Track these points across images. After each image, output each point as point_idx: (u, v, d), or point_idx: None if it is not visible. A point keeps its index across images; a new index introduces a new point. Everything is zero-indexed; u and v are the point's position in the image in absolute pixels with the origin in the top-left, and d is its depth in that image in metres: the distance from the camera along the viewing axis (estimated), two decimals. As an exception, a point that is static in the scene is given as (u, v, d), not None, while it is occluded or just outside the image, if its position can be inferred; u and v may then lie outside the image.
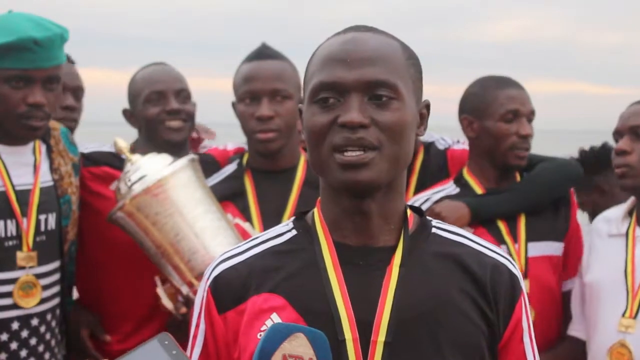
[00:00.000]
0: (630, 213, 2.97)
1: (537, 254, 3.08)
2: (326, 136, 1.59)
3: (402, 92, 1.61)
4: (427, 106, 1.71)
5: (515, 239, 3.07)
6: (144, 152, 3.05)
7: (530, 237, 3.08)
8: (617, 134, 2.96)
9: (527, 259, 3.05)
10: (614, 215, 3.01)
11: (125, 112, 3.34)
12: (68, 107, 3.35)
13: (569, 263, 3.16)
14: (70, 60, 3.38)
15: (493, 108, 3.08)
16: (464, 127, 3.18)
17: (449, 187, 3.19)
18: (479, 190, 3.14)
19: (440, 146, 3.48)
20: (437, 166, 3.42)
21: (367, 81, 1.59)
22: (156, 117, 3.20)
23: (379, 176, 1.59)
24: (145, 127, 3.25)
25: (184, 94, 3.26)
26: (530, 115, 3.11)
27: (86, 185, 3.13)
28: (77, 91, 3.43)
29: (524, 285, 1.73)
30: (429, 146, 3.48)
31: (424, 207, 3.11)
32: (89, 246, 3.16)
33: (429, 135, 3.50)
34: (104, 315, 3.20)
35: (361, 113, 1.58)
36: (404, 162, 1.64)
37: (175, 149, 3.12)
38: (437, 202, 3.12)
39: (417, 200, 3.16)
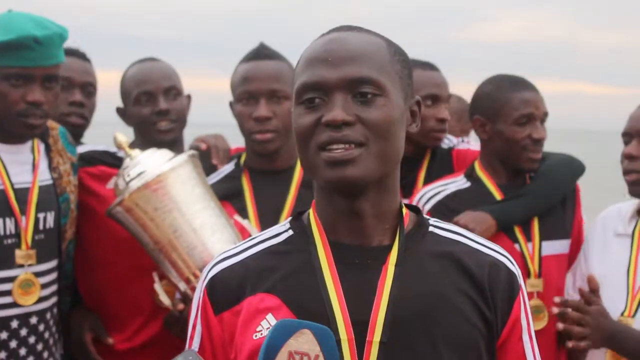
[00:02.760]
0: (639, 212, 2.94)
1: (551, 253, 3.07)
2: (312, 136, 1.60)
3: (387, 89, 1.61)
4: (418, 103, 1.71)
5: (528, 237, 3.06)
6: (141, 149, 3.04)
7: (544, 236, 3.07)
8: (626, 135, 2.91)
9: (540, 258, 3.04)
10: (622, 212, 2.98)
11: (118, 110, 3.35)
12: (74, 102, 3.34)
13: (572, 257, 3.16)
14: (85, 58, 3.41)
15: (507, 111, 3.06)
16: (476, 127, 3.16)
17: (460, 181, 3.18)
18: (490, 186, 3.13)
19: (445, 145, 3.49)
20: (443, 165, 3.42)
21: (350, 79, 1.59)
22: (147, 118, 3.20)
23: (365, 173, 1.59)
24: (137, 127, 3.28)
25: (173, 92, 3.24)
26: (544, 118, 3.10)
27: (84, 186, 3.12)
28: (87, 87, 3.41)
29: (523, 282, 1.72)
30: (437, 146, 3.49)
31: (434, 200, 3.11)
32: (91, 246, 3.15)
33: None
34: (109, 315, 3.19)
35: (345, 111, 1.58)
36: (394, 159, 1.64)
37: (169, 148, 3.11)
38: (449, 196, 3.11)
39: (428, 191, 3.15)
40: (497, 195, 3.12)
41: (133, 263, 3.03)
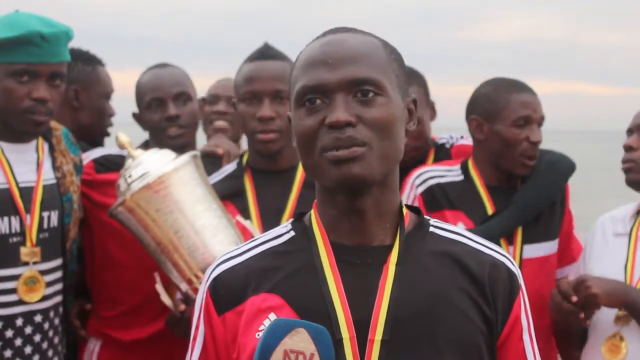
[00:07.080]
0: (638, 212, 2.99)
1: (533, 256, 3.08)
2: (316, 139, 1.60)
3: (386, 88, 1.62)
4: (414, 101, 1.72)
5: (510, 241, 3.07)
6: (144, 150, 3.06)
7: (526, 240, 3.09)
8: (629, 131, 3.00)
9: (521, 260, 3.05)
10: (621, 214, 3.02)
11: (134, 116, 3.39)
12: (112, 115, 3.53)
13: (563, 253, 3.18)
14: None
15: (505, 112, 3.08)
16: (472, 128, 3.17)
17: (455, 171, 3.20)
18: (479, 186, 3.15)
19: (447, 144, 3.51)
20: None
21: (351, 80, 1.60)
22: (157, 124, 3.25)
23: (370, 171, 1.60)
24: (150, 133, 3.33)
25: (183, 97, 3.28)
26: (541, 121, 3.12)
27: (101, 190, 3.16)
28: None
29: (523, 283, 1.72)
30: (440, 147, 3.50)
31: (429, 183, 3.14)
32: (106, 245, 3.18)
33: (439, 137, 3.53)
34: (119, 310, 3.22)
35: (347, 111, 1.59)
36: (395, 157, 1.65)
37: (182, 152, 3.12)
38: (442, 185, 3.13)
39: (425, 172, 3.18)
40: (485, 197, 3.14)
41: (146, 261, 3.04)
